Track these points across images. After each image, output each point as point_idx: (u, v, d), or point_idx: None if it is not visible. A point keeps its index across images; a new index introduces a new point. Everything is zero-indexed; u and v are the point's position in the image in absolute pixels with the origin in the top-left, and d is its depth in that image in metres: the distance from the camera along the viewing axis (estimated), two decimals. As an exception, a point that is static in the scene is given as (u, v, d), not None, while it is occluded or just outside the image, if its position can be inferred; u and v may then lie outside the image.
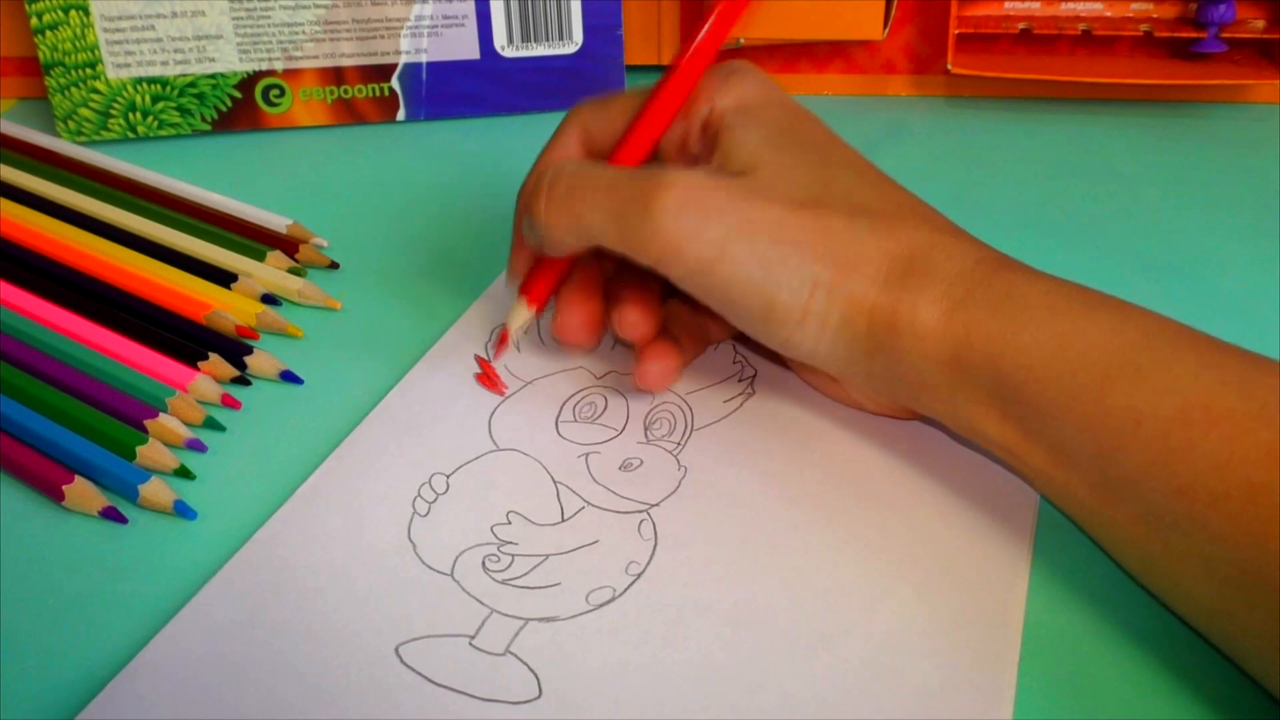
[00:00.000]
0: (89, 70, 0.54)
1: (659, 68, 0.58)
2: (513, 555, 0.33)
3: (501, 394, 0.39)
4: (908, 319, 0.33)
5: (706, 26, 0.37)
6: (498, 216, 0.50)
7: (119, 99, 0.55)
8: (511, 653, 0.31)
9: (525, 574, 0.33)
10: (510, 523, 0.34)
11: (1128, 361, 0.30)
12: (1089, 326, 0.31)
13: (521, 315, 0.39)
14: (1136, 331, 0.31)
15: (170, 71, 0.55)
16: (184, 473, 0.37)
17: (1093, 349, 0.30)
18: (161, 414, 0.38)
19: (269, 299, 0.44)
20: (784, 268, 0.33)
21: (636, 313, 0.37)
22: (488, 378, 0.40)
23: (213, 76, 0.55)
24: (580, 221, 0.35)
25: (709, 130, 0.37)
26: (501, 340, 0.40)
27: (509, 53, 0.56)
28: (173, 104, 0.55)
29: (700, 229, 0.33)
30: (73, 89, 0.55)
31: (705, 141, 0.37)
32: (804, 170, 0.35)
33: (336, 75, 0.56)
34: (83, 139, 0.56)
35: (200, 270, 0.45)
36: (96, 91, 0.55)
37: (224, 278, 0.45)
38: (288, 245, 0.47)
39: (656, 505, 0.35)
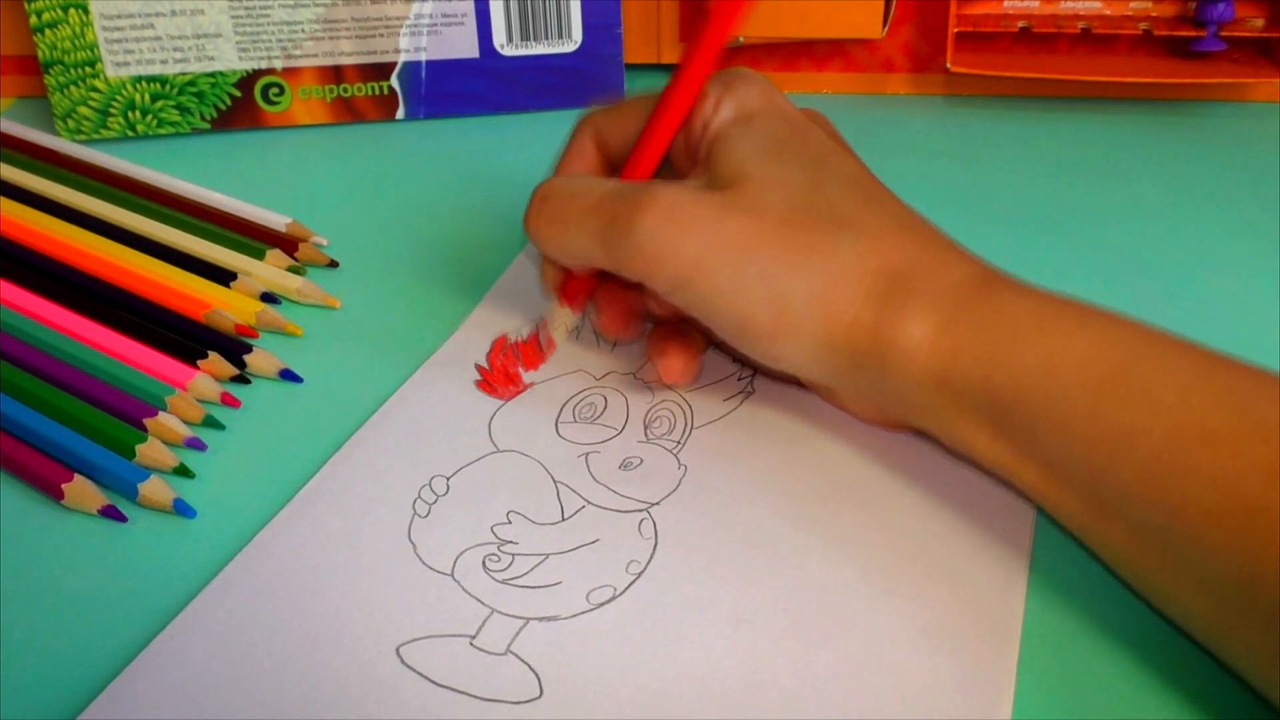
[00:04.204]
0: (88, 69, 0.54)
1: (658, 67, 0.58)
2: (513, 555, 0.33)
3: (505, 399, 0.39)
4: (891, 338, 0.32)
5: (707, 30, 0.36)
6: (497, 215, 0.50)
7: (118, 97, 0.55)
8: (512, 652, 0.31)
9: (526, 573, 0.33)
10: (510, 522, 0.34)
11: (1119, 378, 0.29)
12: (1078, 343, 0.31)
13: (565, 319, 0.40)
14: (1126, 346, 0.30)
15: (169, 70, 0.55)
16: (183, 471, 0.37)
17: (1083, 366, 0.30)
18: (161, 412, 0.38)
19: (268, 297, 0.44)
20: (758, 282, 0.33)
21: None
22: (489, 384, 0.40)
23: (212, 75, 0.55)
24: (568, 243, 0.36)
25: (707, 139, 0.37)
26: (550, 345, 0.40)
27: (508, 51, 0.56)
28: (172, 102, 0.55)
29: (678, 244, 0.33)
30: (72, 87, 0.55)
31: (705, 150, 0.37)
32: (791, 182, 0.34)
33: (336, 74, 0.56)
34: (82, 137, 0.55)
35: (200, 269, 0.45)
36: (96, 90, 0.55)
37: (223, 276, 0.45)
38: (287, 244, 0.47)
39: (657, 504, 0.35)
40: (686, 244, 0.33)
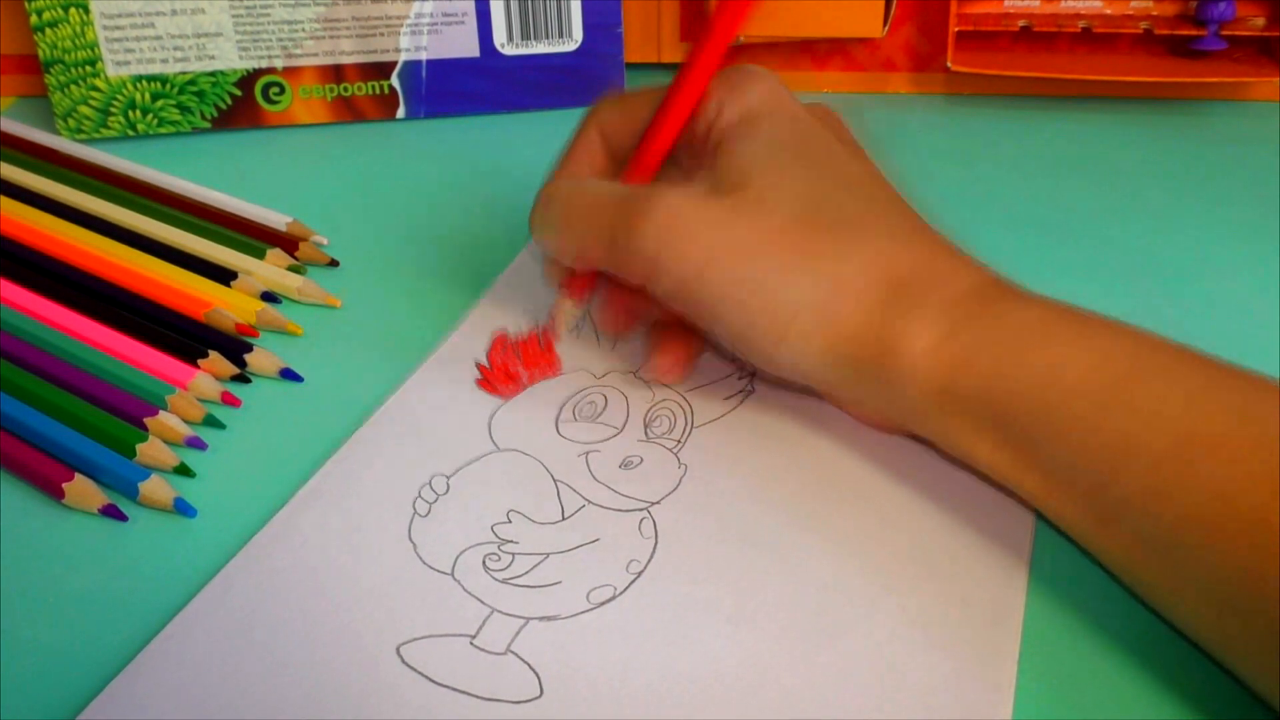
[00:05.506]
0: (89, 68, 0.54)
1: (658, 66, 0.58)
2: (513, 554, 0.33)
3: (505, 397, 0.39)
4: (895, 347, 0.32)
5: (711, 30, 0.36)
6: (497, 214, 0.50)
7: (119, 97, 0.55)
8: (512, 652, 0.31)
9: (526, 573, 0.33)
10: (510, 522, 0.34)
11: (1121, 389, 0.29)
12: (1080, 354, 0.30)
13: (569, 311, 0.40)
14: (1129, 357, 0.30)
15: (170, 69, 0.55)
16: (184, 470, 0.37)
17: (1085, 377, 0.30)
18: (161, 412, 0.38)
19: (269, 297, 0.44)
20: (761, 289, 0.33)
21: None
22: (489, 383, 0.40)
23: (213, 74, 0.55)
24: (572, 245, 0.36)
25: (712, 139, 0.36)
26: (554, 338, 0.40)
27: (509, 50, 0.56)
28: (172, 101, 0.55)
29: (682, 250, 0.33)
30: (72, 86, 0.55)
31: (710, 150, 0.36)
32: (796, 186, 0.34)
33: (336, 73, 0.56)
34: (82, 137, 0.55)
35: (200, 268, 0.45)
36: (96, 89, 0.55)
37: (224, 275, 0.45)
38: (287, 243, 0.47)
39: (657, 503, 0.35)
40: (689, 250, 0.33)
